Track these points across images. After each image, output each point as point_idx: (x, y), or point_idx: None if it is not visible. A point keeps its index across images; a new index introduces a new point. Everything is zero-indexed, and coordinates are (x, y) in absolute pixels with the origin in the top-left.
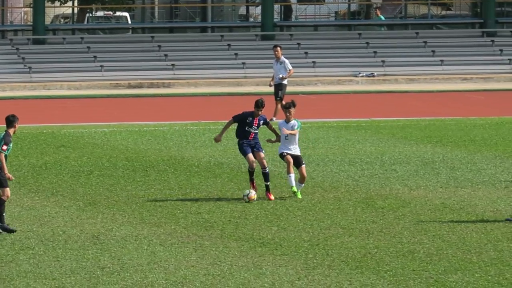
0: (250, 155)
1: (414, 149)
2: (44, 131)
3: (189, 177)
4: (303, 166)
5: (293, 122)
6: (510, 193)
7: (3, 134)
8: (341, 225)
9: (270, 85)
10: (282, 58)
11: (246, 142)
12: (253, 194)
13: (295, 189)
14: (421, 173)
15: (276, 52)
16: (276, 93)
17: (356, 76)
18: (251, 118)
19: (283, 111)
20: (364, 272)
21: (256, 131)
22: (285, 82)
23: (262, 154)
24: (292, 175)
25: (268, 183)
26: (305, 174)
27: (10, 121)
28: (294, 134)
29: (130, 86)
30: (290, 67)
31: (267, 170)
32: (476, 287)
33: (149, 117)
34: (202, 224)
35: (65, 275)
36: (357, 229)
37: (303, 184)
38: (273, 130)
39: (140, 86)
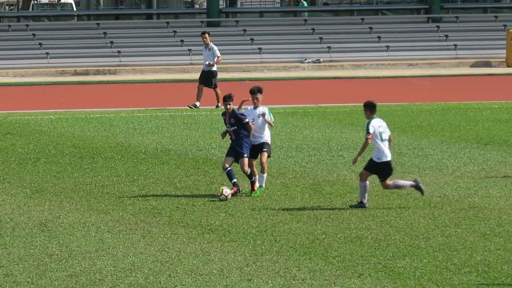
0: (225, 159)
1: (361, 135)
2: None
3: (136, 164)
4: (264, 152)
5: (261, 108)
6: (457, 178)
7: None
8: (288, 211)
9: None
10: (211, 44)
11: (231, 144)
12: (227, 190)
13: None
14: (368, 158)
15: (205, 39)
16: (202, 78)
17: (302, 62)
18: (223, 117)
19: (251, 97)
20: (313, 258)
21: (233, 128)
22: (214, 68)
23: (245, 160)
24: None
25: (252, 179)
26: (264, 163)
27: None
28: (271, 125)
29: (76, 73)
30: (219, 54)
31: (248, 173)
32: (424, 273)
33: (95, 104)
34: (150, 211)
35: (13, 263)
36: (305, 215)
37: (265, 175)
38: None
39: (86, 73)
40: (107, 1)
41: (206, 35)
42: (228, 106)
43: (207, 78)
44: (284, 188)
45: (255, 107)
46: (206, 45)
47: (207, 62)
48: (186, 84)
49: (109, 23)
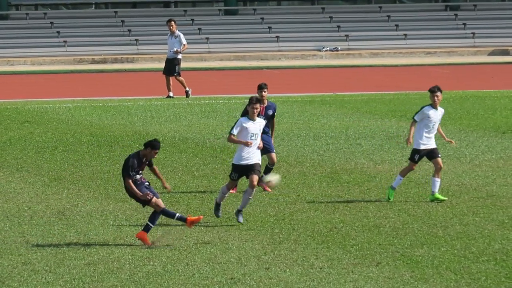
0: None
1: (379, 123)
2: (8, 106)
3: None
4: (439, 158)
5: (441, 109)
6: (475, 167)
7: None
8: (306, 200)
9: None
10: (177, 32)
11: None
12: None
13: (437, 195)
14: (386, 147)
15: (171, 27)
16: (166, 68)
17: (320, 50)
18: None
19: (429, 96)
20: (331, 246)
21: (266, 122)
22: (179, 56)
23: (274, 155)
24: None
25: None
26: (441, 164)
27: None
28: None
29: (93, 62)
30: (185, 42)
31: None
32: (442, 261)
33: (113, 92)
34: (168, 199)
35: (31, 251)
36: (323, 203)
37: (439, 179)
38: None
39: (104, 61)
40: None
41: (173, 22)
42: (264, 93)
43: (170, 67)
44: (302, 177)
45: (435, 107)
46: (172, 32)
47: (174, 49)
48: (204, 72)
49: (126, 11)
